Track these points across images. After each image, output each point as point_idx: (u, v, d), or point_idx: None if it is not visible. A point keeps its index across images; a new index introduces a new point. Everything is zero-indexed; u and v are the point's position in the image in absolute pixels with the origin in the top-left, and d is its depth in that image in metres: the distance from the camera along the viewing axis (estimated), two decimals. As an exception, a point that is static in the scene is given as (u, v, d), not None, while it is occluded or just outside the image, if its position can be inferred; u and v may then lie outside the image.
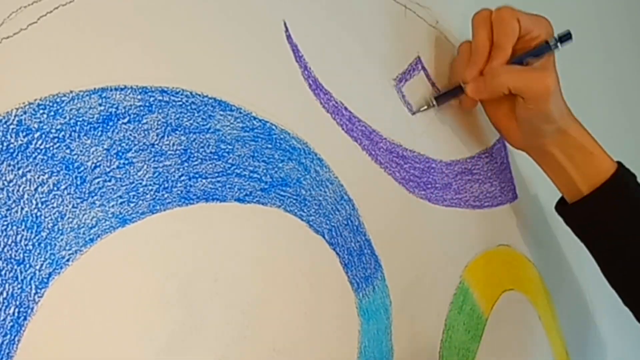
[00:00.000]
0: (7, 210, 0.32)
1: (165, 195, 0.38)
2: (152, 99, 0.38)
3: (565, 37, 0.57)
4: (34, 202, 0.32)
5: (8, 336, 0.31)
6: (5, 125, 0.32)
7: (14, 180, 0.32)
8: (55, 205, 0.33)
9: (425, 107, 0.57)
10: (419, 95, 0.57)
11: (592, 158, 0.57)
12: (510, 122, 0.58)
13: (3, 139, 0.32)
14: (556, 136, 0.57)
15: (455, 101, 0.59)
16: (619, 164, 0.58)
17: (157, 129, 0.38)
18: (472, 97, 0.56)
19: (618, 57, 0.94)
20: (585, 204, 0.58)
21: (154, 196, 0.37)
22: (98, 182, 0.35)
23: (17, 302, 0.31)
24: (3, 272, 0.31)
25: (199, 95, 0.40)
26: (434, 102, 0.57)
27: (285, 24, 0.47)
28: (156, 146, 0.38)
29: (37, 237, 0.32)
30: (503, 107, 0.59)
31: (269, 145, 0.44)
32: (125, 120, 0.37)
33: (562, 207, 0.61)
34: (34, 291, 0.32)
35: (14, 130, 0.32)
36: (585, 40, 0.86)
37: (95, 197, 0.35)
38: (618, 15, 0.95)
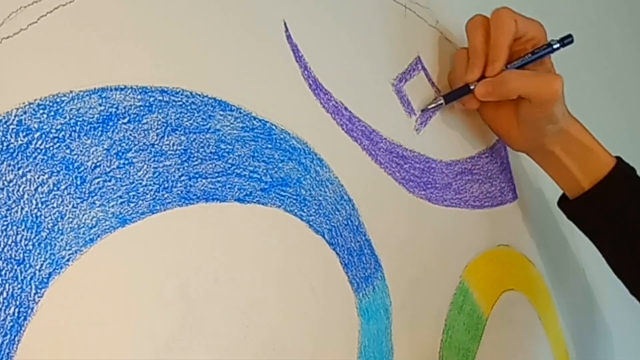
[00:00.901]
0: (7, 210, 0.32)
1: (165, 195, 0.38)
2: (152, 99, 0.38)
3: (567, 39, 0.57)
4: (34, 202, 0.32)
5: (8, 336, 0.31)
6: (5, 125, 0.32)
7: (14, 180, 0.32)
8: (55, 205, 0.33)
9: (434, 104, 0.57)
10: (420, 95, 0.57)
11: (592, 154, 0.58)
12: (511, 126, 0.59)
13: (3, 139, 0.32)
14: (557, 136, 0.58)
15: (454, 102, 0.59)
16: (618, 158, 0.59)
17: (157, 129, 0.38)
18: (482, 99, 0.57)
19: (617, 57, 0.94)
20: (587, 199, 0.59)
21: (154, 196, 0.37)
22: (98, 182, 0.35)
23: (17, 302, 0.31)
24: (3, 272, 0.31)
25: (199, 95, 0.40)
26: (443, 100, 0.57)
27: (285, 24, 0.47)
28: (156, 146, 0.38)
29: (37, 237, 0.32)
30: (503, 111, 0.59)
31: (269, 145, 0.44)
32: (125, 120, 0.37)
33: (564, 202, 0.62)
34: (34, 291, 0.32)
35: (14, 130, 0.32)
36: (585, 40, 0.86)
37: (95, 197, 0.35)
38: (618, 15, 0.95)
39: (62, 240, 0.33)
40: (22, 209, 0.32)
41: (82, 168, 0.34)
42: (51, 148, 0.33)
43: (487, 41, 0.56)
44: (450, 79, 0.60)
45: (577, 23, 0.86)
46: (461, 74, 0.57)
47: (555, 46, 0.57)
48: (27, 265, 0.32)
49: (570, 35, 0.58)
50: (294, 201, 0.45)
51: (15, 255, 0.32)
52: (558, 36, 0.58)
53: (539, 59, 0.57)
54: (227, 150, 0.41)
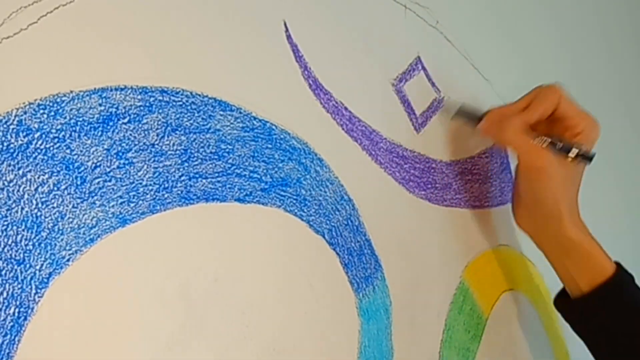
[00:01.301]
0: (7, 210, 0.32)
1: (166, 195, 0.38)
2: (152, 99, 0.38)
3: (587, 156, 0.56)
4: (34, 202, 0.32)
5: (8, 336, 0.31)
6: (5, 125, 0.32)
7: (14, 180, 0.32)
8: (55, 205, 0.33)
9: (454, 113, 0.59)
10: (420, 95, 0.57)
11: (590, 259, 0.57)
12: (518, 197, 0.59)
13: (3, 139, 0.32)
14: (554, 230, 0.57)
15: (455, 102, 0.59)
16: (618, 264, 0.58)
17: (157, 129, 0.38)
18: (481, 132, 0.57)
19: (619, 57, 0.94)
20: (583, 302, 0.58)
21: (154, 196, 0.37)
22: (98, 182, 0.35)
23: (17, 302, 0.31)
24: (3, 272, 0.31)
25: (199, 95, 0.40)
26: (454, 112, 0.59)
27: (285, 24, 0.47)
28: (156, 146, 0.38)
29: (37, 237, 0.32)
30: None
31: (269, 145, 0.44)
32: (126, 120, 0.37)
33: (561, 300, 0.61)
34: (34, 291, 0.32)
35: (14, 130, 0.32)
36: (586, 39, 0.86)
37: (95, 197, 0.35)
38: (618, 14, 0.95)
39: (62, 240, 0.33)
40: (22, 209, 0.32)
41: (82, 168, 0.34)
42: (51, 148, 0.33)
43: (548, 112, 0.56)
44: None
45: (578, 22, 0.86)
46: (502, 109, 0.58)
47: (571, 153, 0.55)
48: (27, 265, 0.32)
49: (591, 157, 0.56)
50: (294, 201, 0.45)
51: (15, 255, 0.32)
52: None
53: (557, 148, 0.55)
54: (227, 150, 0.41)
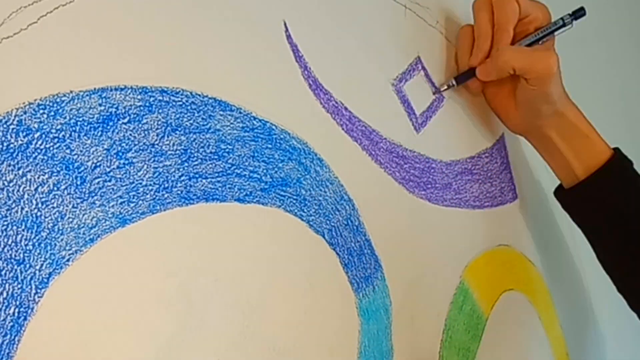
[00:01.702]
0: (7, 210, 0.32)
1: (166, 195, 0.38)
2: (152, 99, 0.38)
3: (579, 12, 0.56)
4: (34, 202, 0.32)
5: (8, 336, 0.31)
6: (5, 125, 0.32)
7: (14, 180, 0.32)
8: (55, 205, 0.33)
9: (446, 87, 0.58)
10: (420, 95, 0.57)
11: (587, 141, 0.58)
12: (510, 105, 0.59)
13: (3, 139, 0.32)
14: (553, 118, 0.57)
15: (455, 102, 0.59)
16: (616, 149, 0.58)
17: (157, 129, 0.38)
18: (482, 79, 0.57)
19: (619, 57, 0.94)
20: (581, 189, 0.58)
21: (154, 196, 0.37)
22: (98, 182, 0.35)
23: (17, 302, 0.31)
24: (3, 272, 0.31)
25: (199, 95, 0.40)
26: (454, 82, 0.58)
27: (285, 24, 0.47)
28: (156, 146, 0.38)
29: (37, 237, 0.32)
30: (503, 90, 0.59)
31: (269, 145, 0.44)
32: (125, 120, 0.37)
33: (559, 192, 0.62)
34: (34, 291, 0.32)
35: (14, 130, 0.32)
36: (587, 39, 0.86)
37: (95, 197, 0.35)
38: (619, 13, 0.95)
39: (62, 240, 0.33)
40: (22, 209, 0.32)
41: (82, 168, 0.34)
42: (51, 148, 0.33)
43: (491, 22, 0.56)
44: (456, 57, 0.60)
45: (578, 22, 0.86)
46: (466, 55, 0.58)
47: (566, 20, 0.56)
48: (27, 265, 0.32)
49: (582, 8, 0.56)
50: (294, 201, 0.45)
51: (15, 255, 0.32)
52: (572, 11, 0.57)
53: (550, 34, 0.56)
54: (227, 150, 0.41)
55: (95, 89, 0.35)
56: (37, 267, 0.32)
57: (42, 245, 0.32)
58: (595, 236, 0.61)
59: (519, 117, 0.59)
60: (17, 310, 0.31)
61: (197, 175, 0.40)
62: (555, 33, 0.58)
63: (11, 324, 0.31)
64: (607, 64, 0.91)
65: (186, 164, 0.39)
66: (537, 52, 0.55)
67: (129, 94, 0.37)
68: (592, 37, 0.87)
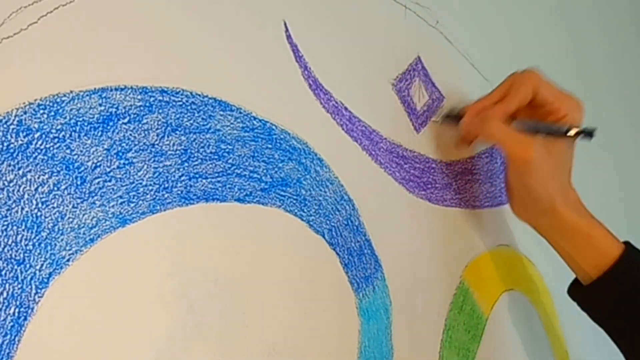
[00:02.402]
0: (8, 210, 0.32)
1: (166, 195, 0.38)
2: (152, 99, 0.38)
3: (587, 132, 0.54)
4: (34, 202, 0.32)
5: (8, 336, 0.31)
6: (5, 125, 0.32)
7: (14, 180, 0.32)
8: (55, 205, 0.33)
9: (435, 120, 0.58)
10: (420, 95, 0.57)
11: (592, 241, 0.54)
12: (511, 190, 0.57)
13: (3, 139, 0.32)
14: (549, 218, 0.55)
15: (454, 102, 0.59)
16: (627, 244, 0.55)
17: (157, 129, 0.38)
18: (462, 130, 0.57)
19: (622, 57, 0.94)
20: (593, 289, 0.55)
21: (154, 196, 0.37)
22: (98, 182, 0.35)
23: (17, 302, 0.31)
24: (3, 272, 0.31)
25: (199, 95, 0.40)
26: (440, 120, 0.58)
27: (285, 24, 0.47)
28: (156, 146, 0.38)
29: (37, 237, 0.32)
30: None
31: (269, 145, 0.44)
32: (126, 120, 0.37)
33: (574, 289, 0.58)
34: (34, 291, 0.32)
35: (14, 130, 0.32)
36: (589, 39, 0.86)
37: (95, 197, 0.35)
38: (621, 13, 0.95)
39: (62, 240, 0.33)
40: (22, 209, 0.32)
41: (82, 168, 0.34)
42: (51, 148, 0.33)
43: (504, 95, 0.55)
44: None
45: (580, 22, 0.86)
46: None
47: (570, 133, 0.53)
48: (27, 265, 0.32)
49: (592, 132, 0.54)
50: (294, 201, 0.45)
51: (15, 255, 0.32)
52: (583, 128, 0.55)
53: (548, 132, 0.54)
54: (227, 150, 0.41)
55: (95, 89, 0.35)
56: (37, 267, 0.32)
57: (42, 245, 0.33)
58: (619, 337, 0.56)
59: (517, 206, 0.57)
60: (17, 310, 0.31)
61: (197, 175, 0.40)
62: (555, 136, 0.54)
63: (11, 323, 0.31)
64: (610, 63, 0.91)
65: (186, 164, 0.39)
66: (518, 135, 0.53)
67: (129, 94, 0.37)
68: (594, 36, 0.87)
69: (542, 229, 0.57)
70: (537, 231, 0.58)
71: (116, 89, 0.36)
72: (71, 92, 0.34)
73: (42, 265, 0.32)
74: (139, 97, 0.37)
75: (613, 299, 0.54)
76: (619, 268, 0.53)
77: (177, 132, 0.39)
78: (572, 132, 0.54)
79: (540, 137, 0.54)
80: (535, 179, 0.53)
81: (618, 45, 0.95)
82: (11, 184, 0.32)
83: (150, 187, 0.37)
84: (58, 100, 0.34)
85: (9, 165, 0.32)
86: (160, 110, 0.38)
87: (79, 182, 0.34)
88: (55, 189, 0.33)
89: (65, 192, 0.34)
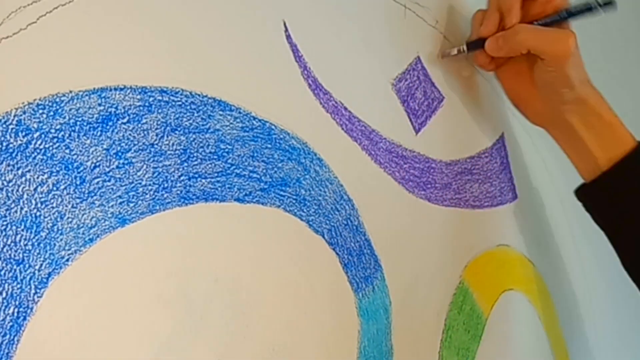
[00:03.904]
0: (7, 210, 0.32)
1: (165, 195, 0.38)
2: (151, 99, 0.38)
3: (609, 3, 0.53)
4: (33, 202, 0.32)
5: (7, 336, 0.31)
6: (4, 125, 0.32)
7: (14, 180, 0.32)
8: (54, 205, 0.33)
9: (456, 52, 0.58)
10: (420, 95, 0.57)
11: (611, 130, 0.55)
12: (529, 94, 0.58)
13: (2, 139, 0.32)
14: (575, 105, 0.55)
15: (454, 102, 0.59)
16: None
17: (156, 129, 0.38)
18: (491, 53, 0.56)
19: (622, 59, 0.94)
20: (604, 180, 0.55)
21: (153, 196, 0.37)
22: (97, 182, 0.35)
23: (17, 302, 0.31)
24: (2, 272, 0.31)
25: (199, 95, 0.40)
26: (465, 48, 0.58)
27: (285, 23, 0.47)
28: (156, 146, 0.38)
29: (36, 237, 0.32)
30: (521, 79, 0.58)
31: (269, 145, 0.44)
32: (125, 120, 0.37)
33: (580, 190, 0.58)
34: (33, 291, 0.32)
35: (14, 130, 0.32)
36: (590, 39, 0.86)
37: (94, 197, 0.35)
38: (623, 12, 0.95)
39: (61, 240, 0.33)
40: (21, 209, 0.32)
41: (81, 168, 0.34)
42: (51, 148, 0.33)
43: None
44: (472, 25, 0.60)
45: (580, 22, 0.86)
46: (478, 26, 0.57)
47: (593, 5, 0.53)
48: (27, 266, 0.32)
49: (612, 1, 0.53)
50: (294, 201, 0.45)
51: (14, 255, 0.32)
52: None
53: (572, 18, 0.54)
54: (226, 150, 0.41)
55: (94, 88, 0.35)
56: (37, 267, 0.32)
57: (42, 245, 0.32)
58: (620, 236, 0.57)
59: (539, 104, 0.57)
60: (16, 310, 0.31)
61: (196, 175, 0.40)
62: (576, 18, 0.55)
63: (11, 323, 0.31)
64: (611, 64, 0.91)
65: (186, 164, 0.39)
66: (553, 31, 0.54)
67: (129, 93, 0.37)
68: (595, 36, 0.87)
69: (560, 123, 0.57)
70: (551, 130, 0.58)
71: (115, 89, 0.36)
72: (70, 92, 0.34)
73: (41, 265, 0.32)
74: (139, 97, 0.37)
75: (622, 191, 0.54)
76: (632, 159, 0.54)
77: (177, 132, 0.39)
78: (595, 6, 0.53)
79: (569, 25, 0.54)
80: (574, 68, 0.53)
81: (618, 45, 0.95)
82: (10, 184, 0.32)
83: (150, 187, 0.37)
84: (57, 100, 0.34)
85: (8, 165, 0.32)
86: (160, 110, 0.38)
87: (78, 182, 0.34)
88: (55, 188, 0.33)
89: (65, 192, 0.34)
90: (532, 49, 0.53)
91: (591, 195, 0.57)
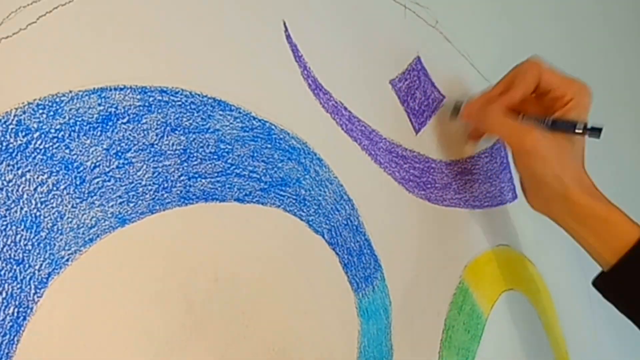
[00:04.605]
0: (7, 210, 0.32)
1: (165, 195, 0.38)
2: (151, 99, 0.38)
3: (594, 130, 0.54)
4: (33, 202, 0.32)
5: (7, 336, 0.31)
6: (4, 125, 0.32)
7: (14, 180, 0.32)
8: (54, 205, 0.33)
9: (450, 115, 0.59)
10: (420, 95, 0.57)
11: (607, 225, 0.53)
12: (522, 182, 0.58)
13: (2, 139, 0.32)
14: (562, 204, 0.54)
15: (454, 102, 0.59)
16: None
17: (156, 129, 0.38)
18: (463, 118, 0.57)
19: (624, 55, 0.94)
20: (612, 274, 0.54)
21: (153, 196, 0.37)
22: (97, 182, 0.35)
23: (17, 302, 0.31)
24: (2, 272, 0.31)
25: (199, 95, 0.40)
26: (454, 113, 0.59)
27: (285, 23, 0.47)
28: (155, 146, 0.38)
29: (36, 237, 0.32)
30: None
31: (269, 145, 0.44)
32: (125, 120, 0.37)
33: (596, 279, 0.57)
34: (33, 291, 0.32)
35: (14, 130, 0.32)
36: (591, 38, 0.86)
37: (94, 197, 0.35)
38: (624, 12, 0.95)
39: (61, 240, 0.33)
40: (21, 209, 0.32)
41: (81, 168, 0.34)
42: (50, 148, 0.33)
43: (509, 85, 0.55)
44: None
45: (581, 22, 0.86)
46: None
47: (578, 127, 0.53)
48: (27, 265, 0.32)
49: (599, 129, 0.53)
50: (294, 201, 0.45)
51: (14, 255, 0.32)
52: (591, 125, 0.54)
53: (558, 127, 0.54)
54: (226, 150, 0.41)
55: (94, 88, 0.35)
56: (37, 267, 0.32)
57: (42, 245, 0.32)
58: None
59: (531, 197, 0.57)
60: (16, 310, 0.31)
61: (196, 175, 0.40)
62: (557, 130, 0.54)
63: (10, 323, 0.31)
64: (612, 62, 0.91)
65: (185, 164, 0.39)
66: (516, 126, 0.53)
67: (128, 93, 0.37)
68: (596, 35, 0.87)
69: (557, 217, 0.56)
70: (554, 220, 0.57)
71: (115, 89, 0.36)
72: (70, 92, 0.34)
73: (41, 265, 0.32)
74: (138, 97, 0.37)
75: (634, 284, 0.53)
76: (637, 251, 0.52)
77: (177, 132, 0.39)
78: (578, 129, 0.53)
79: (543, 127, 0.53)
80: (542, 166, 0.53)
81: (619, 45, 0.95)
82: (10, 184, 0.32)
83: (150, 187, 0.37)
84: (57, 100, 0.34)
85: (8, 165, 0.32)
86: (160, 110, 0.38)
87: (78, 182, 0.34)
88: (55, 188, 0.33)
89: (65, 192, 0.34)
90: (497, 136, 0.55)
91: (605, 287, 0.56)
